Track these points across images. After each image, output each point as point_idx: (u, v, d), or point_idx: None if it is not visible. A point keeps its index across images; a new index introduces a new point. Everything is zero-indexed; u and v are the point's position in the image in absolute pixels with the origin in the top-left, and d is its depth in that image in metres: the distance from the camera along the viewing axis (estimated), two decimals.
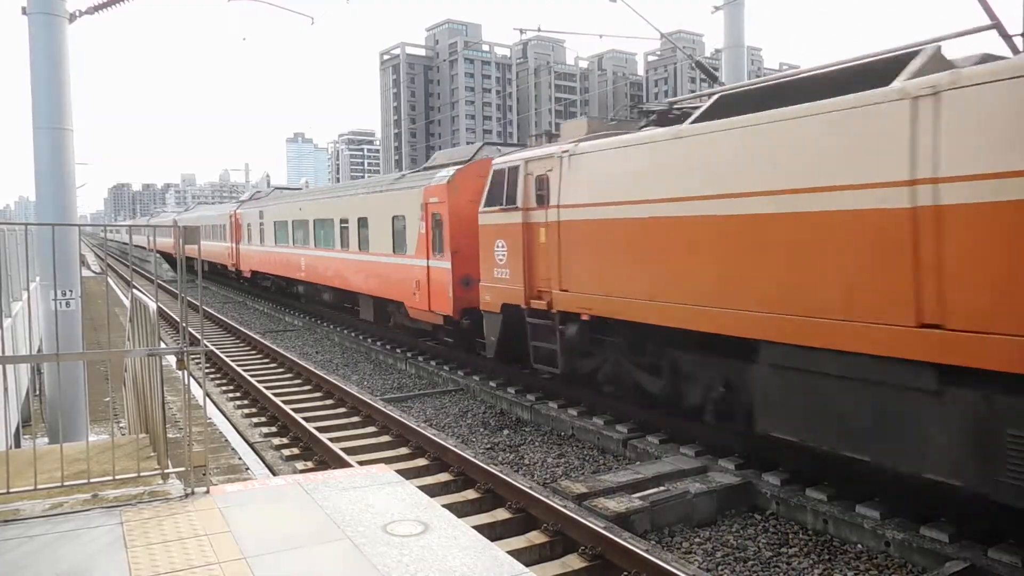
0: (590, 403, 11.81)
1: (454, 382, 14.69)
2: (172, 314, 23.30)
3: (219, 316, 24.84)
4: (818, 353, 7.21)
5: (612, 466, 9.75)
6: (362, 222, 19.30)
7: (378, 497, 4.90)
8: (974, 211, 5.95)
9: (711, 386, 9.02)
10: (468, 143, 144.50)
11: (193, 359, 4.99)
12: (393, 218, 17.33)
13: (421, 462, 9.71)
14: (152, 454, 5.39)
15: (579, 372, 11.39)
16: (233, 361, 16.55)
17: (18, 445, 8.97)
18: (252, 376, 14.89)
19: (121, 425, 8.73)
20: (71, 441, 7.84)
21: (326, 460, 9.70)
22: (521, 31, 21.89)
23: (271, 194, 32.70)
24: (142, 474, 4.98)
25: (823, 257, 7.07)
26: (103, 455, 5.19)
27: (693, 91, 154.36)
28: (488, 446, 10.93)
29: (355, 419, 12.04)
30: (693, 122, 8.84)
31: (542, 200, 11.42)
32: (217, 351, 17.39)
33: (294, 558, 4.00)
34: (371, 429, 11.51)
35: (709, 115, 8.70)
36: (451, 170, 15.36)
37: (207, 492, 4.95)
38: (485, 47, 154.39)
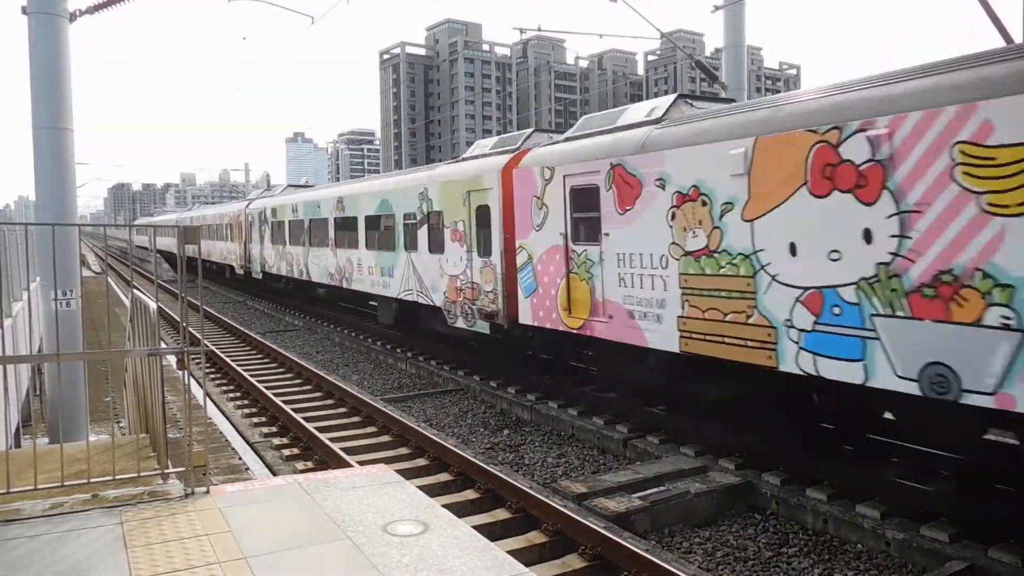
0: (590, 403, 11.82)
1: (454, 382, 14.69)
2: (172, 314, 23.31)
3: (219, 316, 24.85)
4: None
5: (612, 466, 9.76)
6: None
7: (378, 497, 4.90)
8: None
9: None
10: (468, 143, 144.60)
11: (193, 359, 4.99)
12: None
13: (421, 462, 9.71)
14: (152, 454, 5.39)
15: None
16: (233, 361, 16.55)
17: (18, 445, 8.97)
18: (252, 376, 14.89)
19: (121, 425, 8.73)
20: (71, 441, 7.84)
21: (326, 460, 9.70)
22: (521, 31, 21.93)
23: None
24: (142, 474, 4.98)
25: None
26: (103, 455, 5.19)
27: (693, 91, 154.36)
28: (488, 446, 10.93)
29: (355, 419, 12.04)
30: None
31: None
32: (217, 351, 17.39)
33: (294, 558, 4.00)
34: (371, 429, 11.52)
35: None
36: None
37: (207, 492, 4.95)
38: (485, 47, 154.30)
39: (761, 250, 8.02)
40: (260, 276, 29.54)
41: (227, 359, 16.40)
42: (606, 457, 10.25)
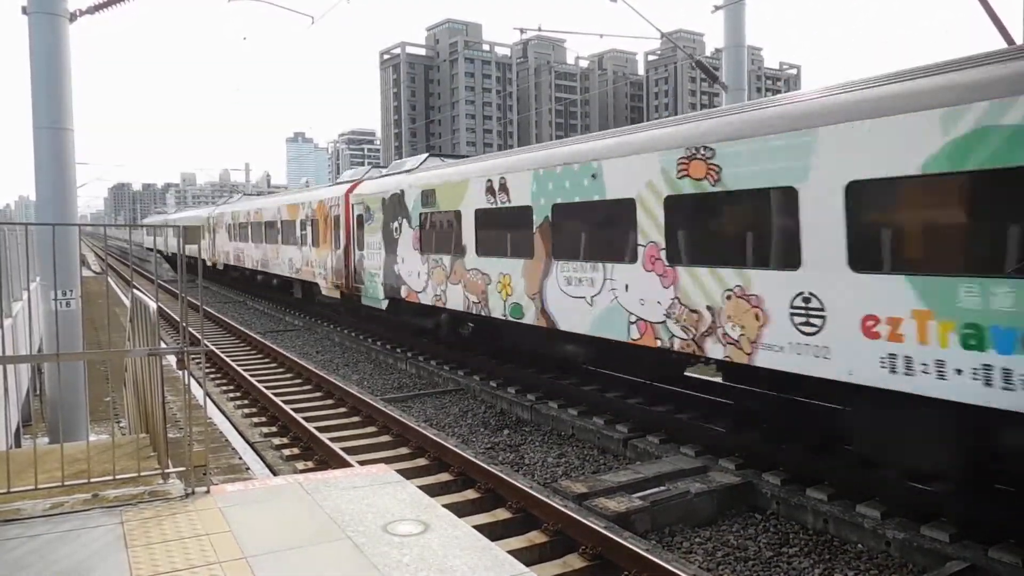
0: (590, 403, 11.81)
1: (454, 382, 14.69)
2: (172, 314, 23.31)
3: (219, 316, 24.84)
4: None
5: (612, 466, 9.75)
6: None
7: (378, 497, 4.90)
8: None
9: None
10: (468, 143, 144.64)
11: (193, 359, 4.99)
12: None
13: (421, 462, 9.71)
14: (152, 454, 5.39)
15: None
16: (233, 361, 16.55)
17: (18, 445, 8.96)
18: (252, 376, 14.89)
19: (121, 425, 8.74)
20: (71, 441, 7.83)
21: (326, 460, 9.70)
22: (521, 31, 21.94)
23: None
24: (142, 474, 4.98)
25: None
26: (103, 455, 5.19)
27: (693, 91, 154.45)
28: (488, 446, 10.92)
29: (355, 419, 12.03)
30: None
31: None
32: (217, 351, 17.39)
33: (294, 558, 4.00)
34: (371, 429, 11.51)
35: None
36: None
37: (207, 492, 4.95)
38: (485, 47, 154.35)
39: None
40: (383, 304, 17.76)
41: (227, 359, 16.39)
42: (606, 457, 10.24)
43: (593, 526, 6.94)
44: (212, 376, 15.65)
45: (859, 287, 7.08)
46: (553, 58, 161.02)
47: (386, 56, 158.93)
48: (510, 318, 12.49)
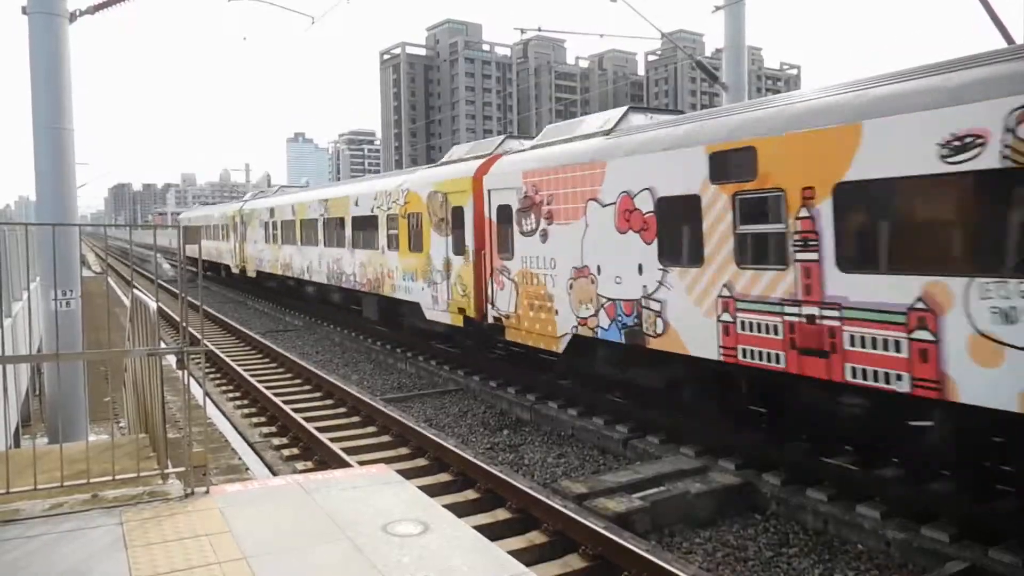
0: (590, 403, 11.80)
1: (454, 382, 14.68)
2: (172, 314, 23.30)
3: (219, 316, 24.82)
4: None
5: (612, 466, 9.75)
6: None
7: (378, 497, 4.90)
8: None
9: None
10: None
11: (193, 359, 4.98)
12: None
13: (421, 462, 9.71)
14: (152, 454, 5.39)
15: None
16: (233, 361, 16.54)
17: (17, 445, 8.96)
18: (252, 376, 14.88)
19: (121, 425, 8.73)
20: (71, 441, 7.83)
21: (326, 460, 9.69)
22: (521, 31, 21.95)
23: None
24: (142, 474, 4.97)
25: None
26: (103, 455, 5.18)
27: (693, 91, 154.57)
28: (488, 446, 10.92)
29: (355, 419, 12.03)
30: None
31: None
32: (217, 351, 17.38)
33: (294, 558, 4.00)
34: (371, 429, 11.51)
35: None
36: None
37: (207, 492, 4.94)
38: (485, 47, 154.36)
39: None
40: None
41: (227, 359, 16.39)
42: (606, 457, 10.24)
43: (593, 526, 6.94)
44: (212, 376, 15.65)
45: None
46: (553, 58, 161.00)
47: (386, 56, 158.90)
48: None
